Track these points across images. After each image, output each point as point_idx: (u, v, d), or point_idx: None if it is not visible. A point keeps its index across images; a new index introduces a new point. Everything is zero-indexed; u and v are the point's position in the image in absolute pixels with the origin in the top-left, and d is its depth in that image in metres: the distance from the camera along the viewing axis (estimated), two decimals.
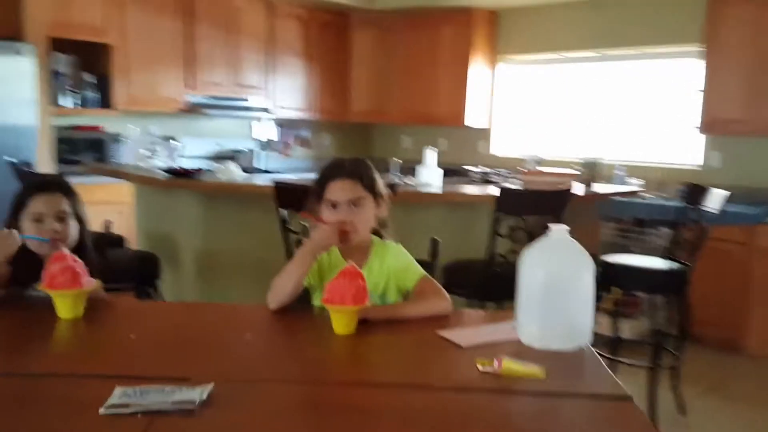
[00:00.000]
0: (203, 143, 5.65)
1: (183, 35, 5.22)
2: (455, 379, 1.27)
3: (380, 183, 1.81)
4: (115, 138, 4.90)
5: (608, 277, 3.14)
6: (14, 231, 1.64)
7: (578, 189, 3.36)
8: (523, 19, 5.81)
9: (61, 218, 1.75)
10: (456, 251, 3.07)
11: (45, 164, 4.24)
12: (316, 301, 1.74)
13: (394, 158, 3.59)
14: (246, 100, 5.70)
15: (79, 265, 1.52)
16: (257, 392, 1.17)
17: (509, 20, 5.91)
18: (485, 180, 4.45)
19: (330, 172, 1.76)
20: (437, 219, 3.17)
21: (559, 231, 1.44)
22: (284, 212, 2.58)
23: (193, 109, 5.33)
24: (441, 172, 3.48)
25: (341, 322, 1.47)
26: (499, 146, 6.11)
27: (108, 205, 4.23)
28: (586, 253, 1.45)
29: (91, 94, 4.80)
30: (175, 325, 1.59)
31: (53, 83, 4.58)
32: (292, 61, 5.99)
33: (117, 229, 3.61)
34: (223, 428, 1.03)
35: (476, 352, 1.37)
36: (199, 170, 3.21)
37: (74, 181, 4.22)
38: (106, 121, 4.98)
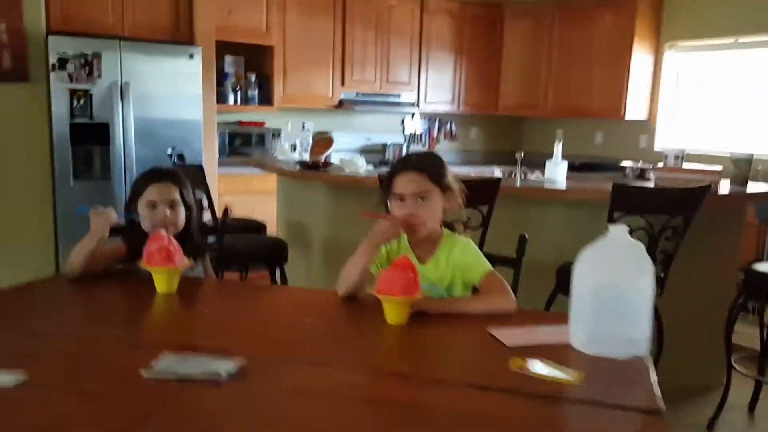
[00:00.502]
0: (354, 138, 5.91)
1: (337, 35, 5.50)
2: (482, 377, 1.25)
3: (450, 176, 1.82)
4: (275, 133, 5.31)
5: (756, 287, 2.83)
6: (109, 210, 1.87)
7: (724, 188, 3.05)
8: (692, 2, 5.34)
9: (172, 205, 1.98)
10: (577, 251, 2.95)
11: (210, 156, 4.72)
12: None
13: (518, 152, 3.51)
14: (396, 95, 5.86)
15: (174, 245, 1.72)
16: (290, 371, 1.25)
17: (676, 4, 5.46)
18: (640, 176, 4.19)
19: (398, 165, 1.80)
20: (559, 217, 3.06)
21: (618, 231, 1.36)
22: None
23: (345, 106, 5.60)
24: (565, 166, 3.35)
25: (392, 313, 1.51)
26: (663, 140, 5.68)
27: (263, 195, 4.64)
28: (647, 257, 1.35)
29: (254, 92, 5.25)
30: (249, 304, 1.74)
31: (221, 82, 5.09)
32: (442, 56, 6.05)
33: (268, 217, 3.95)
34: (243, 399, 1.12)
35: (519, 352, 1.34)
36: (327, 163, 3.40)
37: (234, 171, 4.74)
38: (267, 117, 5.41)
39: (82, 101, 4.20)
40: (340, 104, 5.59)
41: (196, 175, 2.92)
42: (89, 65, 4.19)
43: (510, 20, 6.24)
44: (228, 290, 1.92)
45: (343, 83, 5.59)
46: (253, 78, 5.24)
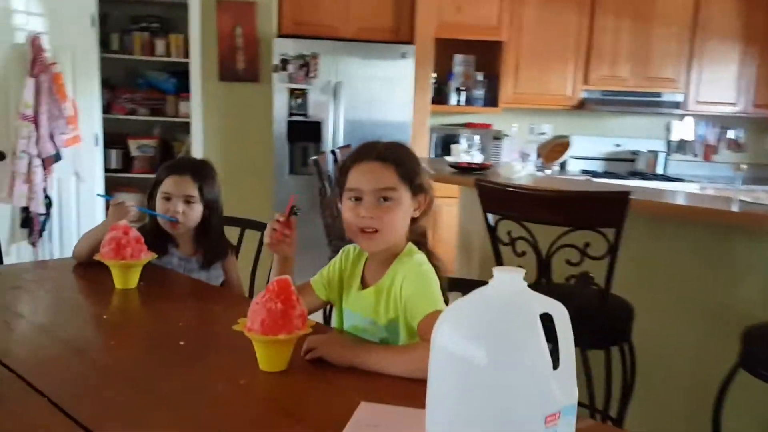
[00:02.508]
0: (599, 143, 5.14)
1: (582, 28, 4.83)
2: None
3: (425, 176, 1.31)
4: (495, 135, 4.91)
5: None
6: (127, 205, 1.80)
7: None
8: None
9: (187, 200, 1.84)
10: None
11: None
12: (337, 321, 1.38)
13: (740, 166, 2.56)
14: (656, 94, 4.92)
15: (132, 237, 1.57)
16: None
17: None
18: None
19: (356, 153, 1.35)
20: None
21: (504, 278, 0.77)
22: (490, 217, 2.13)
23: (587, 106, 4.90)
24: None
25: (260, 355, 1.12)
26: None
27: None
28: (558, 325, 0.74)
29: (479, 92, 4.92)
30: (175, 311, 1.50)
31: (445, 82, 4.89)
32: (724, 47, 4.87)
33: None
34: None
35: None
36: (484, 166, 2.95)
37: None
38: (494, 119, 5.03)
39: (299, 100, 4.41)
40: (581, 104, 4.90)
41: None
42: (307, 66, 4.38)
43: None
44: (199, 294, 1.70)
45: (586, 81, 4.89)
46: (480, 77, 4.91)
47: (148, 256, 1.62)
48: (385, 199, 1.28)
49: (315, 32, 4.45)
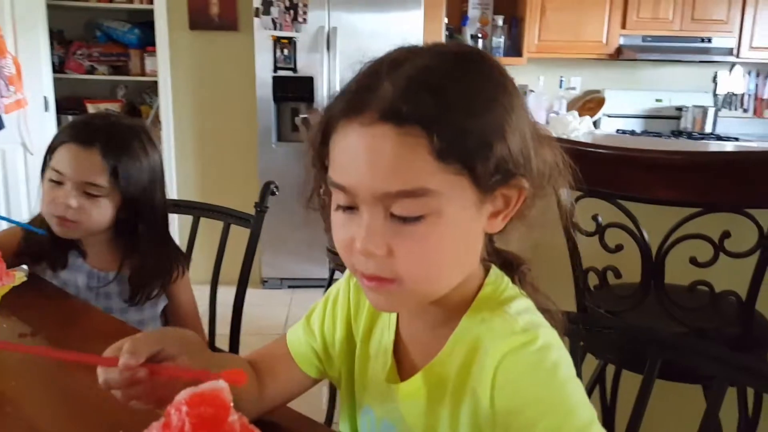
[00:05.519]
0: (637, 98, 4.42)
1: None
2: None
3: (513, 138, 0.60)
4: (522, 90, 4.19)
5: None
6: None
7: None
8: None
9: (86, 191, 1.13)
10: None
11: None
12: (348, 423, 0.71)
13: None
14: (704, 39, 4.20)
15: None
16: None
17: None
18: None
19: (347, 95, 0.63)
20: None
21: None
22: (565, 193, 1.44)
23: (625, 54, 4.17)
24: None
25: None
26: None
27: None
28: None
29: (498, 40, 4.18)
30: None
31: (458, 29, 4.16)
32: None
33: None
34: None
35: None
36: None
37: None
38: (516, 72, 4.30)
39: (286, 51, 3.68)
40: (618, 52, 4.17)
41: None
42: (294, 9, 3.63)
43: None
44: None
45: (624, 24, 4.15)
46: (500, 22, 4.17)
47: (7, 280, 0.93)
48: (404, 219, 0.59)
49: None
